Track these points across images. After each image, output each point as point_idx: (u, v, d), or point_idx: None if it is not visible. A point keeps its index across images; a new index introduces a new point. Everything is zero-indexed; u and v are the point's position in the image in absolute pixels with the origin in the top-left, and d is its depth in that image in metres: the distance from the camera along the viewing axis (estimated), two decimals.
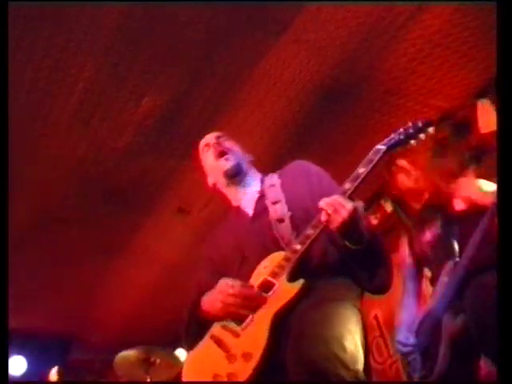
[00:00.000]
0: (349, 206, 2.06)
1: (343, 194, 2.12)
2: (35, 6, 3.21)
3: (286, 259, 2.13)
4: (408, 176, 3.36)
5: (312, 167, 2.47)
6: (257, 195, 2.45)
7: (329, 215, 2.06)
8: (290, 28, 3.65)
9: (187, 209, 4.65)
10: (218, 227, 2.60)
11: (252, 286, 2.15)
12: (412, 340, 2.99)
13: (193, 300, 2.35)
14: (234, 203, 2.54)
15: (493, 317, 2.10)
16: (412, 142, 2.25)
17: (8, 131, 2.84)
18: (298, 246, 2.12)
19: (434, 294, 3.04)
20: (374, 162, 2.17)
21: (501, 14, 2.08)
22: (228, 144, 2.55)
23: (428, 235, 3.25)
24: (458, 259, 2.97)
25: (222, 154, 2.50)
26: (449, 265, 2.99)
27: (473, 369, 2.81)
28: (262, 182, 2.51)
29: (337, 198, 2.09)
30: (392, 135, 2.26)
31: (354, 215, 2.06)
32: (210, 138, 2.59)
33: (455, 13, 3.63)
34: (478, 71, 3.98)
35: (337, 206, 2.05)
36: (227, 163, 2.47)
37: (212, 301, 2.20)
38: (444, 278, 2.98)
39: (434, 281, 3.13)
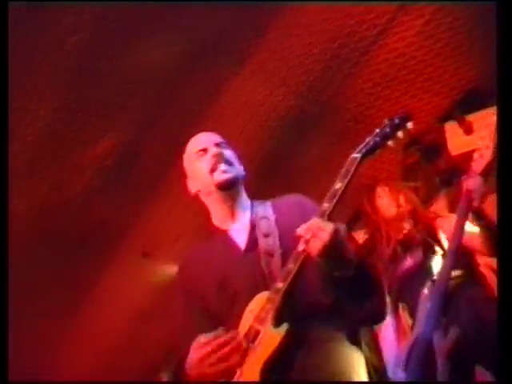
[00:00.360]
0: (329, 227, 1.87)
1: (321, 215, 1.92)
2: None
3: (270, 301, 1.92)
4: (390, 203, 3.32)
5: (309, 205, 2.22)
6: (248, 225, 2.21)
7: (307, 242, 1.87)
8: (252, 58, 3.56)
9: (152, 252, 4.45)
10: (196, 254, 2.33)
11: (224, 333, 1.96)
12: (400, 374, 2.91)
13: (177, 361, 2.14)
14: (218, 223, 2.27)
15: (493, 329, 2.04)
16: (389, 142, 2.03)
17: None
18: (280, 285, 1.92)
19: (417, 319, 2.98)
20: (351, 174, 1.95)
21: (501, 14, 2.06)
22: (228, 154, 2.27)
23: (408, 263, 3.24)
24: (434, 277, 2.96)
25: (219, 164, 2.23)
26: (427, 285, 2.96)
27: (471, 379, 2.80)
28: (253, 209, 2.27)
29: (315, 222, 1.89)
30: (367, 139, 2.04)
31: (335, 237, 1.86)
32: (206, 141, 2.31)
33: (418, 35, 3.62)
34: (444, 93, 3.99)
35: (315, 230, 1.86)
36: (224, 175, 2.21)
37: (197, 370, 1.98)
38: (426, 300, 2.93)
39: (413, 309, 3.06)
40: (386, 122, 2.06)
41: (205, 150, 2.27)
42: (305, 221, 2.05)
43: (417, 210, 3.32)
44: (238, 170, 2.27)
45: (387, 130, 2.04)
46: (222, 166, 2.21)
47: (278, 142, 4.07)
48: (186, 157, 2.37)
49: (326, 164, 4.05)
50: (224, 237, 2.23)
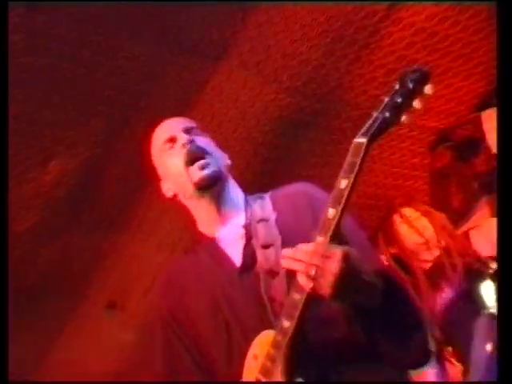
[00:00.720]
0: (336, 253, 1.55)
1: (325, 230, 1.56)
2: None
3: (276, 345, 1.63)
4: (414, 229, 3.08)
5: (318, 195, 1.89)
6: (242, 233, 1.92)
7: (311, 278, 1.54)
8: (232, 50, 3.10)
9: (119, 303, 3.94)
10: (179, 277, 2.02)
11: None
12: None
13: None
14: (204, 230, 2.01)
15: None
16: (403, 118, 1.61)
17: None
18: (287, 323, 1.61)
19: (472, 363, 2.69)
20: (358, 166, 1.59)
21: (501, 14, 2.01)
22: (202, 141, 2.00)
23: (446, 295, 2.96)
24: (492, 310, 2.68)
25: (195, 157, 1.96)
26: (482, 320, 2.67)
27: None
28: (248, 208, 1.99)
29: (315, 249, 1.55)
30: (374, 115, 1.65)
31: (347, 262, 1.54)
32: (173, 128, 2.05)
33: (440, 4, 3.13)
34: (478, 75, 3.50)
35: (319, 262, 1.53)
36: (201, 171, 1.95)
37: None
38: (483, 339, 2.62)
39: (464, 351, 2.75)
40: (396, 87, 1.66)
41: (172, 140, 2.01)
42: (315, 219, 1.73)
43: (445, 233, 3.08)
44: (219, 159, 2.01)
45: (398, 100, 1.62)
46: (198, 160, 1.96)
47: (271, 149, 3.62)
48: (152, 152, 2.10)
49: (334, 169, 3.66)
50: (212, 249, 1.97)
